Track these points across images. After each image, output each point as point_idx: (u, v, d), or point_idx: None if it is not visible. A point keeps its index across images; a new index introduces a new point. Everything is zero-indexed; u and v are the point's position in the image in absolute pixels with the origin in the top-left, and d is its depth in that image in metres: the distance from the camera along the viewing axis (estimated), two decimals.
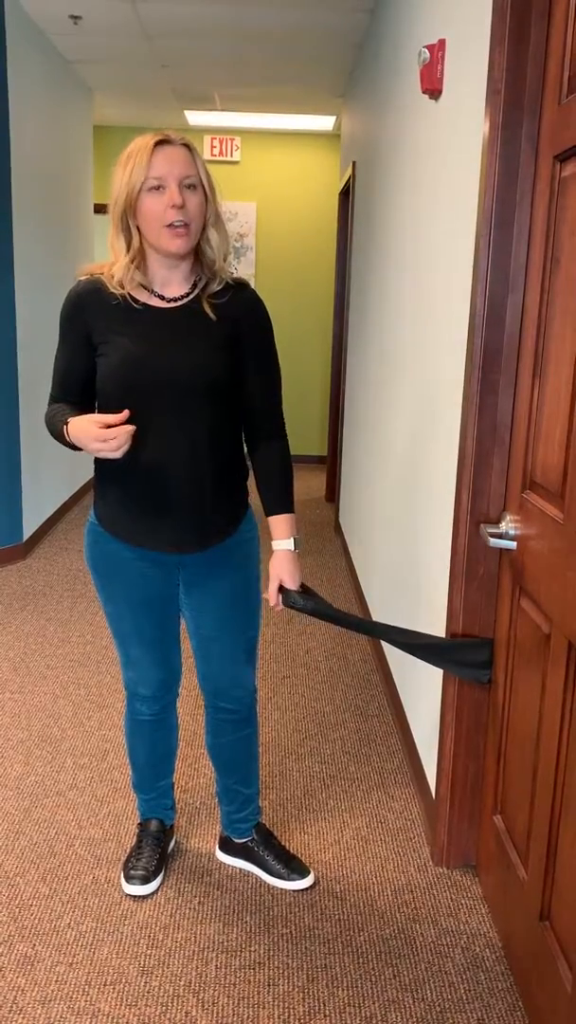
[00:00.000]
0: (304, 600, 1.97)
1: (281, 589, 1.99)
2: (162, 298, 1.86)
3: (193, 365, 1.84)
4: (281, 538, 1.99)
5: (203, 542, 1.95)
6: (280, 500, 2.00)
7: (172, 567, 1.99)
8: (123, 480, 1.89)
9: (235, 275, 1.93)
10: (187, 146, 1.78)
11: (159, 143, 1.74)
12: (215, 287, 1.87)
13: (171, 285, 1.87)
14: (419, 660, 2.52)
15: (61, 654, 3.60)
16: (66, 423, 1.78)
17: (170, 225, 1.75)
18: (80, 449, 1.77)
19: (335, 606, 2.06)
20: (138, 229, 1.79)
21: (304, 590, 2.00)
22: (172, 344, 1.84)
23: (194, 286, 1.88)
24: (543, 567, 1.75)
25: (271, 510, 2.01)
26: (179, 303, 1.86)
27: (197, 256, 1.87)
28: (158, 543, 1.93)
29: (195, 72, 5.71)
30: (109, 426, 1.69)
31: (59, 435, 1.82)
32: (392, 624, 2.16)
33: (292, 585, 1.98)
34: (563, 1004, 1.60)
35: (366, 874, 2.26)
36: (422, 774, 2.57)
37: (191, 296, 1.87)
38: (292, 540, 1.99)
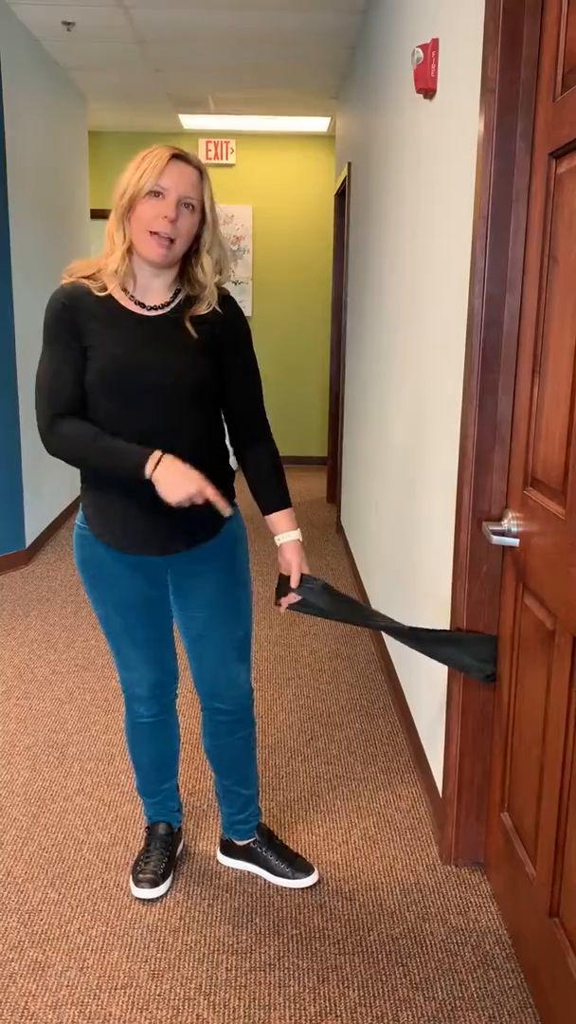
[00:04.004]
0: (313, 599, 2.01)
1: (283, 590, 2.01)
2: (142, 305, 1.88)
3: (177, 368, 1.86)
4: (287, 530, 2.02)
5: (187, 542, 1.96)
6: (277, 497, 2.03)
7: (160, 569, 2.01)
8: (112, 486, 1.90)
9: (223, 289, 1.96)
10: (200, 170, 1.82)
11: (175, 156, 1.78)
12: (202, 310, 1.88)
13: (151, 292, 1.88)
14: (424, 657, 2.52)
15: (66, 659, 3.60)
16: (149, 458, 1.78)
17: (155, 233, 1.78)
18: (125, 475, 1.81)
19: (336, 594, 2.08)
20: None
21: (310, 581, 2.03)
22: (156, 348, 1.85)
23: (174, 296, 1.90)
24: (546, 564, 1.76)
25: (270, 507, 2.03)
26: (159, 312, 1.88)
27: (183, 270, 1.90)
28: (142, 547, 1.94)
29: (189, 76, 5.72)
30: None
31: (116, 457, 1.81)
32: (395, 621, 2.16)
33: (305, 570, 2.00)
34: (575, 1000, 1.60)
35: (375, 874, 2.26)
36: (429, 773, 2.57)
37: (171, 306, 1.89)
38: (298, 531, 2.03)
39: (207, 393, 1.91)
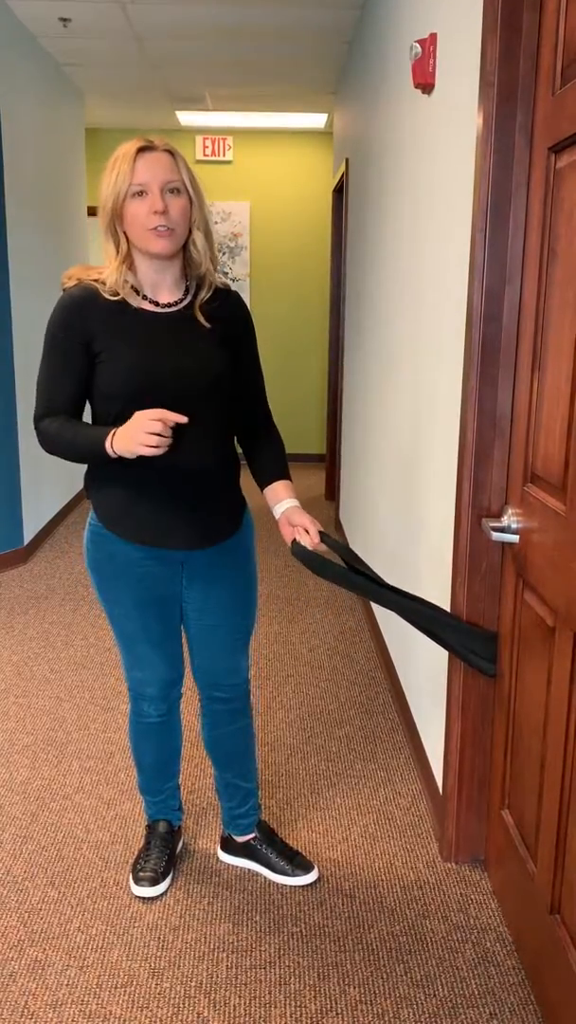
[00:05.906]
0: (335, 544, 1.95)
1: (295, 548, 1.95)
2: (155, 304, 1.88)
3: (197, 366, 1.87)
4: (286, 497, 2.00)
5: (212, 537, 1.97)
6: (280, 471, 2.05)
7: (176, 565, 2.00)
8: (131, 480, 1.89)
9: (222, 280, 1.98)
10: (170, 152, 1.81)
11: (141, 149, 1.77)
12: (205, 294, 1.90)
13: (161, 289, 1.89)
14: (424, 655, 2.51)
15: (64, 657, 3.60)
16: (105, 444, 1.76)
17: (153, 228, 1.78)
18: (100, 460, 1.80)
19: (341, 571, 2.02)
20: (125, 234, 1.83)
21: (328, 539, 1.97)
22: (174, 347, 1.86)
23: (186, 292, 1.91)
24: (546, 560, 1.75)
25: (271, 479, 2.03)
26: (172, 309, 1.89)
27: (185, 260, 1.90)
28: (167, 541, 1.94)
29: (186, 73, 5.70)
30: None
31: (83, 446, 1.82)
32: (408, 594, 2.11)
33: (319, 527, 1.95)
34: (575, 997, 1.59)
35: (375, 871, 2.26)
36: (429, 770, 2.57)
37: (184, 303, 1.90)
38: (296, 499, 2.00)
39: (225, 384, 1.92)
